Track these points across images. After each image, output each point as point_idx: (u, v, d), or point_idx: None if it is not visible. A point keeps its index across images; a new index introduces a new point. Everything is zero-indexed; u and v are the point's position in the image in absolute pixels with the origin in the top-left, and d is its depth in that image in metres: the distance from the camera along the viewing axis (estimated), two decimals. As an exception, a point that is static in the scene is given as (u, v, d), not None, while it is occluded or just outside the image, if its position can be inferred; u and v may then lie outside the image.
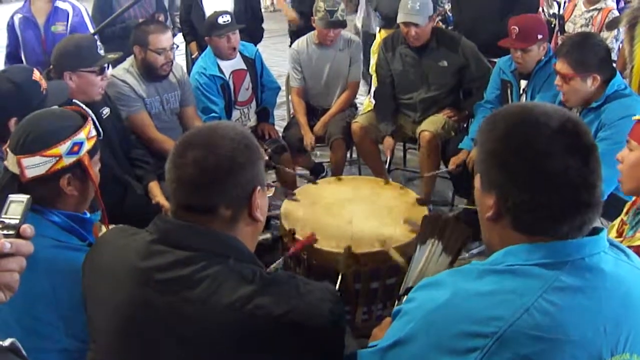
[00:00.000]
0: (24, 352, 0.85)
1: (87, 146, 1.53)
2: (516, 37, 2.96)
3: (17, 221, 0.89)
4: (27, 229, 0.89)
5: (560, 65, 2.46)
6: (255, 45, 3.78)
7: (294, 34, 4.50)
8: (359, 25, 5.05)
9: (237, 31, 3.38)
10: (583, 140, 0.98)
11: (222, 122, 1.42)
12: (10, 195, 0.93)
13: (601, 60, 2.44)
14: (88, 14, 3.74)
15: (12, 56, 3.71)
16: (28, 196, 0.93)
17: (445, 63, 3.40)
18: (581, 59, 2.41)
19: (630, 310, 0.96)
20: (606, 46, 2.59)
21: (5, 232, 0.87)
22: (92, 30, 3.54)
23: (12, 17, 3.67)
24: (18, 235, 0.88)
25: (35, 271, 1.13)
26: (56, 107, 1.62)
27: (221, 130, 1.19)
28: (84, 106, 2.45)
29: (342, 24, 3.56)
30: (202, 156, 1.14)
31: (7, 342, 0.84)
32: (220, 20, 3.30)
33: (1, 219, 0.89)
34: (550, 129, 0.97)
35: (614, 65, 2.91)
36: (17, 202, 0.91)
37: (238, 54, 3.50)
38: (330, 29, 3.53)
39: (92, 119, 1.94)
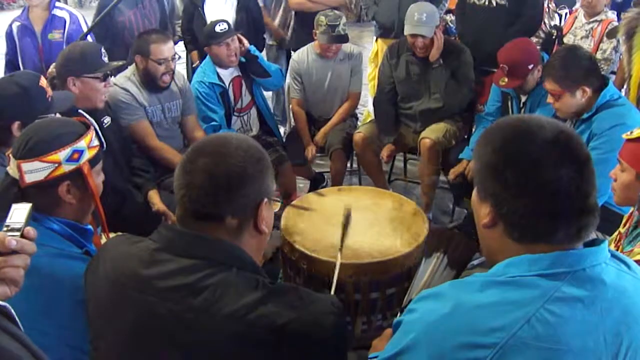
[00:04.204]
0: (15, 316, 0.87)
1: (88, 155, 1.53)
2: (507, 74, 2.94)
3: (21, 224, 0.97)
4: (31, 230, 0.96)
5: (548, 84, 2.48)
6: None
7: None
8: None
9: (236, 38, 3.36)
10: (576, 151, 0.99)
11: (237, 134, 1.44)
12: (13, 205, 1.01)
13: (587, 71, 2.44)
14: (85, 22, 3.72)
15: (11, 64, 3.71)
16: (30, 204, 1.01)
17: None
18: (565, 74, 2.42)
19: (631, 321, 0.97)
20: (590, 56, 2.59)
21: (10, 234, 0.94)
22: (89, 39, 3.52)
23: (10, 25, 3.66)
24: (22, 237, 0.95)
25: (34, 280, 1.13)
26: (60, 116, 1.63)
27: (235, 141, 1.19)
28: (88, 116, 2.46)
29: (344, 39, 3.55)
30: (213, 163, 1.14)
31: None
32: (217, 28, 3.29)
33: (6, 224, 0.97)
34: (543, 140, 0.99)
35: (609, 76, 2.90)
36: (20, 209, 1.00)
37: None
38: (332, 44, 3.54)
39: (95, 129, 1.95)
